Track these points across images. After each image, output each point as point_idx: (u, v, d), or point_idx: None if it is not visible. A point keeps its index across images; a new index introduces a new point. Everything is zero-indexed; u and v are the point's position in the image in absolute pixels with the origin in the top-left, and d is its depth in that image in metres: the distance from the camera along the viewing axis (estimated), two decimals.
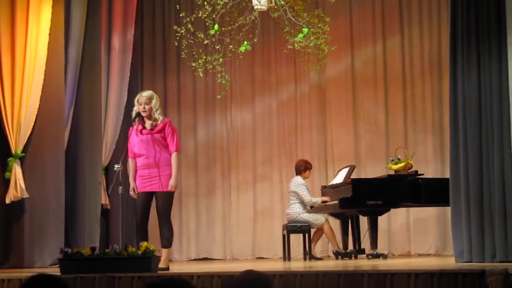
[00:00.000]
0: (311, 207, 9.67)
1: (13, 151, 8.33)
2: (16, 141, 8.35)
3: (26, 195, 8.28)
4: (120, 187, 6.91)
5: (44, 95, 8.50)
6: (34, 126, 8.43)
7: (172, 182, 6.97)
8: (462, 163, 6.96)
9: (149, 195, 7.02)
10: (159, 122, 7.04)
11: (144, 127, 7.05)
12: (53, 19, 8.59)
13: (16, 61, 8.41)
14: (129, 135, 7.20)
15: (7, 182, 8.33)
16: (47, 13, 8.56)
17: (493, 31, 6.98)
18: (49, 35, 8.53)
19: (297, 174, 9.75)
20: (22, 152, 8.38)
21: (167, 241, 7.04)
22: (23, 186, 8.28)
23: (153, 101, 7.07)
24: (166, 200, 7.01)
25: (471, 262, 6.78)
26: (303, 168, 9.74)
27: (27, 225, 8.40)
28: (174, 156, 7.03)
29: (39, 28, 8.51)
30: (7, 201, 8.28)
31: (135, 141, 7.02)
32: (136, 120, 7.05)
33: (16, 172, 8.28)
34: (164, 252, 6.96)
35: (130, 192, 7.00)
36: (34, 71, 8.44)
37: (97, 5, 9.51)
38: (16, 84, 8.39)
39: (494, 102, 6.90)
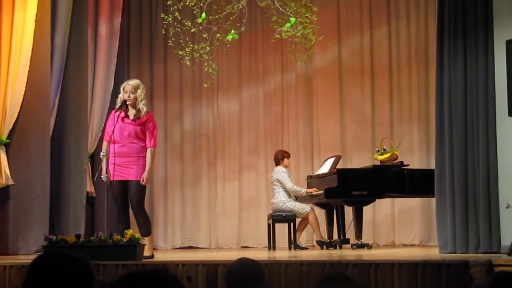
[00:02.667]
0: (296, 197, 9.69)
1: None
2: (1, 128, 8.30)
3: (11, 182, 8.24)
4: (104, 175, 6.91)
5: (30, 82, 8.44)
6: (19, 112, 8.38)
7: (145, 175, 6.98)
8: (447, 154, 7.00)
9: (122, 184, 7.03)
10: (142, 113, 7.03)
11: (126, 115, 7.04)
12: (40, 6, 8.52)
13: (1, 48, 8.34)
14: (108, 117, 7.19)
15: None
16: (33, 0, 8.50)
17: (480, 24, 7.01)
18: (35, 21, 8.47)
19: (276, 165, 9.78)
20: (7, 138, 8.34)
21: (145, 230, 7.06)
22: (8, 173, 8.24)
23: (139, 91, 7.06)
24: (138, 189, 7.03)
25: (455, 253, 6.82)
26: (280, 157, 9.78)
27: (12, 212, 8.37)
28: (150, 151, 7.04)
29: (25, 15, 8.44)
30: None
31: (115, 127, 6.99)
32: (122, 107, 7.04)
33: (1, 159, 8.24)
34: (146, 241, 6.96)
35: (104, 176, 6.93)
36: (20, 58, 8.38)
37: None
38: (1, 71, 8.33)
39: (480, 94, 6.93)
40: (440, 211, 7.08)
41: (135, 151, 7.02)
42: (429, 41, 10.56)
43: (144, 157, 7.02)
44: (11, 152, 8.37)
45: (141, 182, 6.97)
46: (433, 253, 7.39)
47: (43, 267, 2.48)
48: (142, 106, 7.04)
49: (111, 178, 6.97)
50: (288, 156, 9.85)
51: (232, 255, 6.64)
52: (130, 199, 7.06)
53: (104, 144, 7.14)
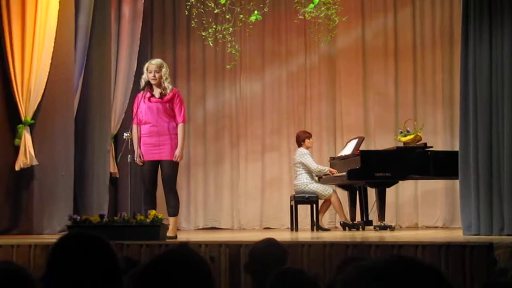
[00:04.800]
0: (319, 178, 9.69)
1: (22, 118, 8.35)
2: (26, 108, 8.35)
3: (35, 162, 8.31)
4: (129, 156, 6.95)
5: (54, 63, 8.48)
6: (44, 93, 8.43)
7: (177, 152, 6.98)
8: (472, 135, 6.95)
9: (155, 163, 7.04)
10: (168, 91, 7.03)
11: (152, 95, 7.05)
12: None
13: (26, 29, 8.38)
14: (135, 100, 7.20)
15: (16, 149, 8.36)
16: None
17: (506, 4, 6.92)
18: (59, 3, 8.50)
19: (299, 146, 9.77)
20: (32, 119, 8.40)
21: (173, 210, 7.07)
22: (33, 153, 8.30)
23: (163, 70, 7.06)
24: (171, 168, 7.03)
25: (479, 235, 6.79)
26: (302, 138, 9.76)
27: (37, 192, 8.44)
28: (181, 126, 7.03)
29: None
30: (17, 168, 8.30)
31: (143, 108, 7.01)
32: (145, 87, 7.05)
33: (26, 139, 8.30)
34: (171, 221, 6.99)
35: (135, 159, 7.00)
36: (44, 39, 8.42)
37: None
38: (26, 52, 8.37)
39: (506, 75, 6.86)
40: (464, 192, 7.04)
41: (166, 129, 7.01)
42: (453, 22, 10.47)
43: (176, 134, 7.02)
44: (35, 133, 8.43)
45: (174, 159, 6.98)
46: (457, 235, 7.37)
47: (65, 247, 2.51)
48: (167, 84, 7.04)
49: (144, 159, 7.00)
50: (310, 137, 9.83)
51: (254, 236, 6.66)
52: (162, 178, 7.07)
53: (134, 127, 7.14)
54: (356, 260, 3.31)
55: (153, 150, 7.01)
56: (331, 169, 9.52)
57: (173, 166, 7.04)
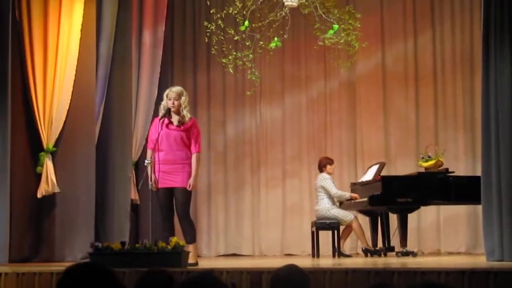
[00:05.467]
0: (340, 203, 9.65)
1: (44, 146, 8.41)
2: (48, 136, 8.41)
3: (57, 189, 8.35)
4: (150, 183, 6.96)
5: (76, 90, 8.56)
6: (65, 121, 8.49)
7: (191, 181, 7.02)
8: (494, 160, 6.90)
9: (169, 191, 7.07)
10: (186, 119, 7.07)
11: (171, 122, 7.09)
12: (85, 15, 8.64)
13: (48, 56, 8.47)
14: (152, 125, 7.24)
15: (38, 176, 8.41)
16: (79, 9, 8.61)
17: None
18: (81, 31, 8.59)
19: (320, 172, 9.75)
20: (54, 147, 8.45)
21: (190, 237, 7.08)
22: (55, 180, 8.35)
23: (183, 98, 7.11)
24: (184, 196, 7.06)
25: (502, 260, 6.71)
26: (324, 164, 9.75)
27: (58, 219, 8.47)
28: (195, 156, 7.09)
29: (71, 24, 8.57)
30: (39, 195, 8.35)
31: (160, 135, 7.05)
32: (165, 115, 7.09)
33: (48, 167, 8.35)
34: (191, 248, 6.99)
35: (150, 183, 7.01)
36: (66, 67, 8.50)
37: (128, 1, 9.54)
38: (48, 79, 8.46)
39: None
40: (487, 218, 6.97)
41: (181, 157, 7.05)
42: (474, 46, 10.45)
43: (190, 163, 7.06)
44: (57, 160, 8.48)
45: (187, 188, 7.00)
46: (480, 261, 7.29)
47: (71, 277, 2.55)
48: (186, 112, 7.09)
49: (158, 186, 7.03)
50: (332, 163, 9.81)
51: (276, 263, 6.62)
52: (175, 206, 7.10)
53: (148, 152, 7.19)
54: (383, 286, 3.28)
55: (167, 178, 7.04)
56: (353, 194, 9.49)
57: (187, 194, 7.07)
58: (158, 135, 7.04)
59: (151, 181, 7.02)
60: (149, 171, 7.10)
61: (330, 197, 9.53)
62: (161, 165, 7.04)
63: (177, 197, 7.07)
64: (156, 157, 7.08)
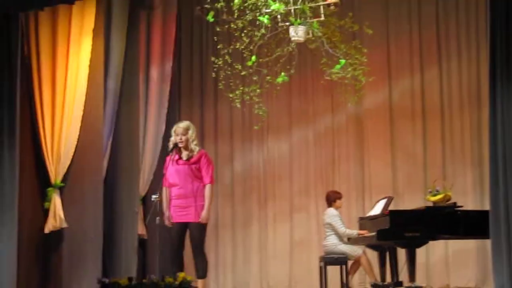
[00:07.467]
0: (348, 238, 9.61)
1: (52, 181, 8.42)
2: (56, 171, 8.43)
3: (64, 224, 8.34)
4: (157, 218, 6.98)
5: (84, 126, 8.59)
6: (73, 157, 8.51)
7: (204, 214, 7.02)
8: (502, 195, 6.88)
9: (183, 225, 7.07)
10: (195, 153, 7.10)
11: (180, 157, 7.12)
12: (93, 51, 8.70)
13: (56, 92, 8.51)
14: (166, 164, 7.25)
15: (46, 211, 8.41)
16: (87, 45, 8.67)
17: None
18: (89, 66, 8.64)
19: (328, 206, 9.74)
20: (61, 182, 8.46)
21: (202, 272, 7.06)
22: (62, 216, 8.34)
23: (190, 132, 7.15)
24: (198, 230, 7.05)
25: None
26: (332, 198, 9.75)
27: (65, 255, 8.45)
28: (208, 188, 7.09)
29: (79, 60, 8.62)
30: (46, 230, 8.34)
31: (171, 171, 7.07)
32: (174, 150, 7.11)
33: (55, 202, 8.36)
34: (200, 283, 6.98)
35: (165, 221, 7.03)
36: (74, 102, 8.54)
37: (136, 37, 9.62)
38: (56, 115, 8.49)
39: None
40: (496, 252, 6.93)
41: (192, 191, 7.07)
42: (481, 81, 10.48)
43: (202, 196, 7.07)
44: (65, 195, 8.49)
45: (200, 220, 6.99)
46: None
47: None
48: (194, 146, 7.12)
49: (173, 221, 7.03)
50: (340, 197, 9.80)
51: None
52: (191, 240, 7.09)
53: (164, 190, 7.19)
54: None
55: (180, 212, 7.05)
56: (361, 231, 9.45)
57: (201, 228, 7.05)
58: (166, 171, 7.07)
59: (166, 219, 7.02)
60: (163, 208, 7.09)
61: (338, 233, 9.50)
62: (174, 200, 7.06)
63: (192, 232, 7.07)
64: (171, 193, 7.09)
